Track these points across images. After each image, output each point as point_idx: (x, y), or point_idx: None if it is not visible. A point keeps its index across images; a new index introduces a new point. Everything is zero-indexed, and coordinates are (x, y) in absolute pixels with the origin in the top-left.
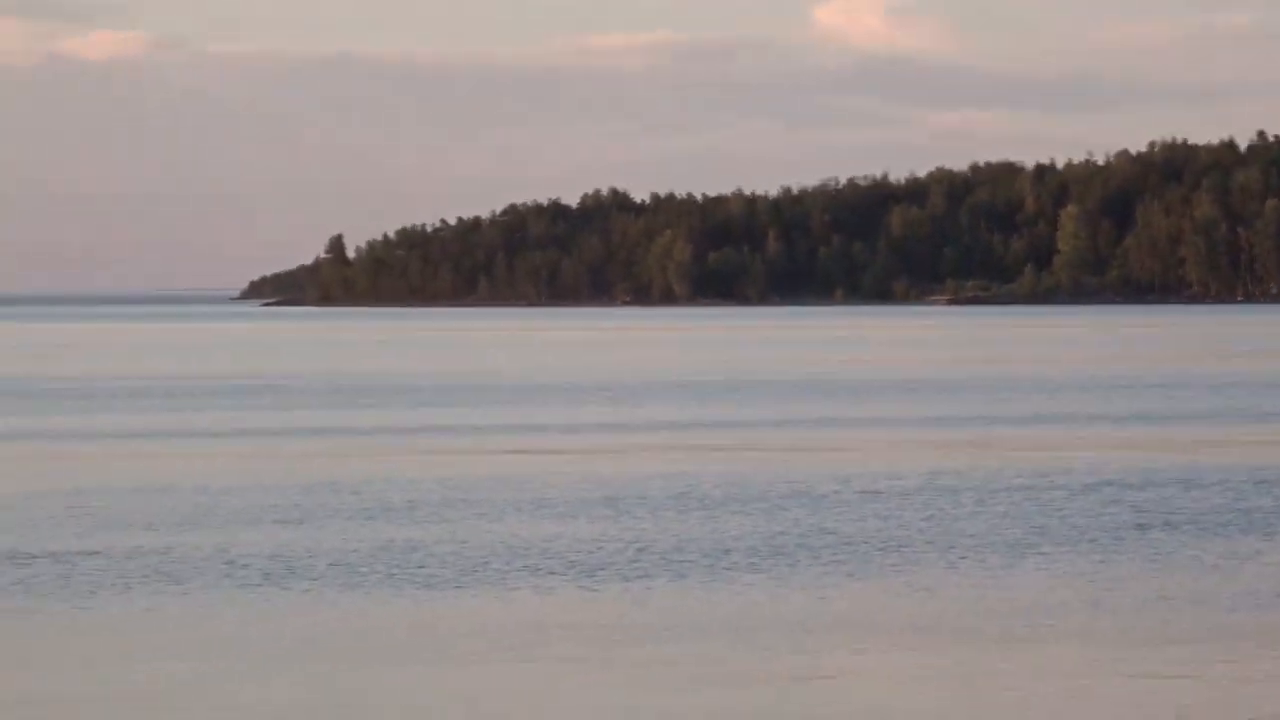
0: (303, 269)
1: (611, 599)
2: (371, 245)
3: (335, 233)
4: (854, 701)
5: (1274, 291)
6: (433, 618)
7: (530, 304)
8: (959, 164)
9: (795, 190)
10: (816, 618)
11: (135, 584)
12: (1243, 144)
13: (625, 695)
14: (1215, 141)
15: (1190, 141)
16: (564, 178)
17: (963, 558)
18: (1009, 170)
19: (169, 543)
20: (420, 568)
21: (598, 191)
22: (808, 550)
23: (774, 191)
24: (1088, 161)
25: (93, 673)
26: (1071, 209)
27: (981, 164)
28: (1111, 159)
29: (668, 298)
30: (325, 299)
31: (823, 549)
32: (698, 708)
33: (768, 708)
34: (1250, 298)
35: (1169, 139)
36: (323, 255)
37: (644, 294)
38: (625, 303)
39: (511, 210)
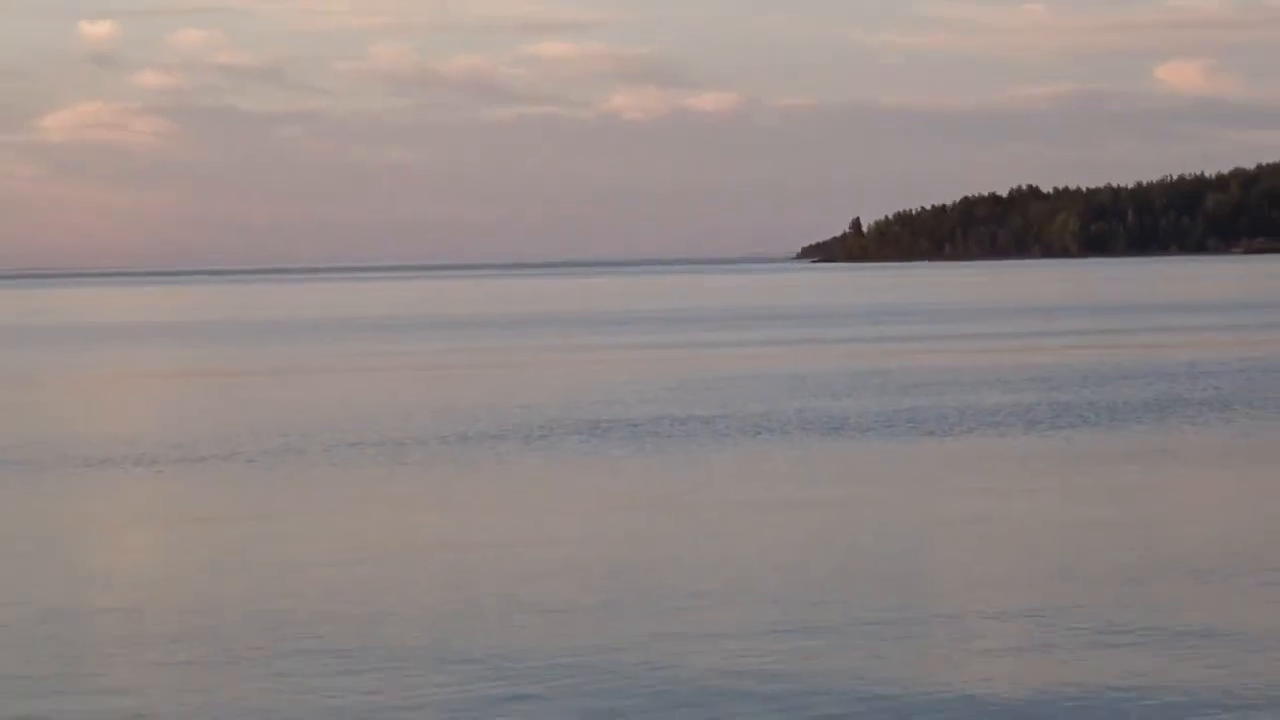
0: (834, 239)
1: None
2: (878, 224)
3: (854, 215)
4: None
5: None
6: (1038, 450)
7: (976, 259)
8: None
9: (1144, 183)
10: None
11: (735, 435)
12: None
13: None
14: None
15: None
16: (998, 178)
17: None
18: None
19: (767, 410)
20: (995, 423)
21: (1019, 186)
22: None
23: (1130, 185)
24: None
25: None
26: None
27: None
28: None
29: (1064, 254)
30: (848, 259)
31: None
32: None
33: None
34: None
35: None
36: (847, 230)
37: (1049, 251)
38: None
39: (965, 200)
